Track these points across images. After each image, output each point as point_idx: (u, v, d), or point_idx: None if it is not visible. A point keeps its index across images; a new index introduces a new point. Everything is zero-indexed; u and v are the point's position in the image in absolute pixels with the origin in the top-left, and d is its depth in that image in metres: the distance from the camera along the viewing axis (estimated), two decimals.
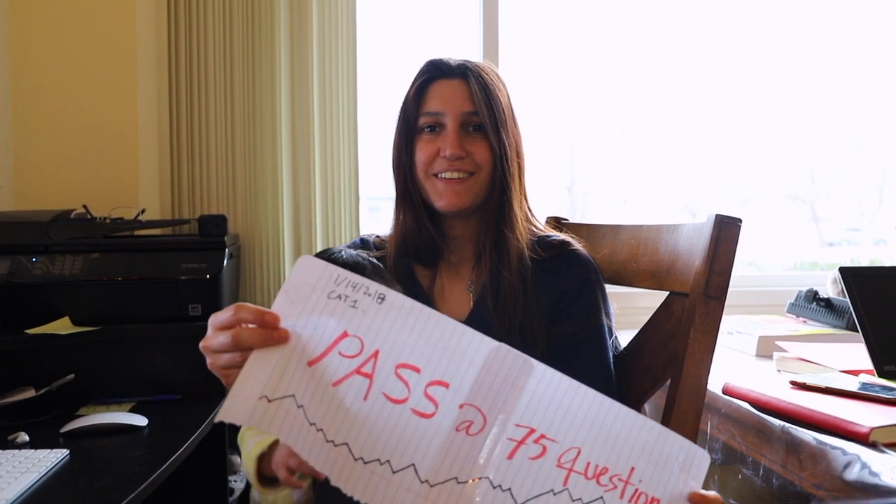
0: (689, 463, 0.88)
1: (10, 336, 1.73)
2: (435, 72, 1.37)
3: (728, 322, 1.90)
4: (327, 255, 1.26)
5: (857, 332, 1.53)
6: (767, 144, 2.75)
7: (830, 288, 2.16)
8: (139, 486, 1.26)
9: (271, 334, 0.86)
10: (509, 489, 0.84)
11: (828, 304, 2.02)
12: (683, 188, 2.77)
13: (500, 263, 1.34)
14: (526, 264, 1.34)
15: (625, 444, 0.87)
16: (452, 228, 1.41)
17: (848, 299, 1.56)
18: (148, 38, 2.22)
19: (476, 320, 1.29)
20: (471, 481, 0.84)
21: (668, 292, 1.42)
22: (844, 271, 1.59)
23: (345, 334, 0.86)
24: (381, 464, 0.83)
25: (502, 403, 0.86)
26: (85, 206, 1.99)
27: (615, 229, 1.61)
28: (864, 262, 2.98)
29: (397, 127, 1.40)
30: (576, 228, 1.65)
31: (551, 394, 0.87)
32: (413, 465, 0.84)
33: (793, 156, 2.83)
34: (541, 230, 1.44)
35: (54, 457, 1.35)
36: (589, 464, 0.86)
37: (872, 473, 1.07)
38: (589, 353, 1.32)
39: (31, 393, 1.69)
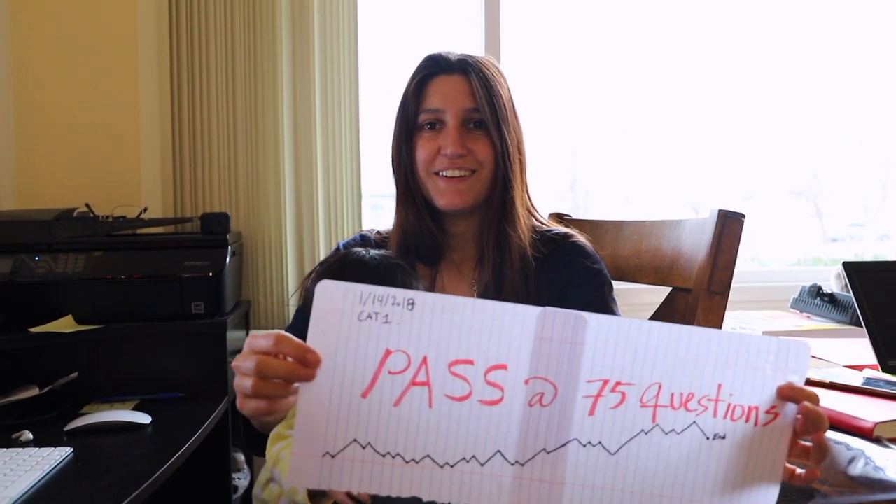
0: (784, 358, 0.86)
1: (13, 335, 1.73)
2: (434, 67, 1.35)
3: (731, 317, 1.90)
4: (352, 258, 1.23)
5: (861, 327, 1.53)
6: (770, 140, 2.75)
7: (834, 283, 2.15)
8: (143, 484, 1.26)
9: (298, 371, 0.83)
10: (599, 443, 0.84)
11: (831, 299, 2.01)
12: (686, 184, 2.76)
13: (503, 262, 1.33)
14: (528, 262, 1.33)
15: (705, 365, 0.85)
16: (454, 226, 1.39)
17: (852, 294, 1.56)
18: (150, 36, 2.22)
19: None
20: (560, 447, 0.84)
21: (671, 288, 1.42)
22: (848, 266, 1.59)
23: (388, 353, 0.84)
24: (468, 461, 0.83)
25: (567, 365, 0.85)
26: (87, 205, 1.99)
27: (618, 225, 1.61)
28: (868, 258, 2.98)
29: (396, 123, 1.38)
30: (578, 225, 1.65)
31: (614, 339, 0.85)
32: (499, 451, 0.84)
33: (796, 151, 2.83)
34: (543, 225, 1.43)
35: (58, 455, 1.35)
36: (673, 395, 0.85)
37: (876, 468, 1.06)
38: None
39: (34, 391, 1.69)
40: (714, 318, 1.28)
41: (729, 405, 0.85)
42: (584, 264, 1.36)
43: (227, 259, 1.91)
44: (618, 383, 0.85)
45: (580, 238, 1.40)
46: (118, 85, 2.25)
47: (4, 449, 1.37)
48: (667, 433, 0.85)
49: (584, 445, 0.84)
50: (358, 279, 1.13)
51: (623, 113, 2.64)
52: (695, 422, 0.85)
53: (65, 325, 1.78)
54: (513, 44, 2.44)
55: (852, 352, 1.61)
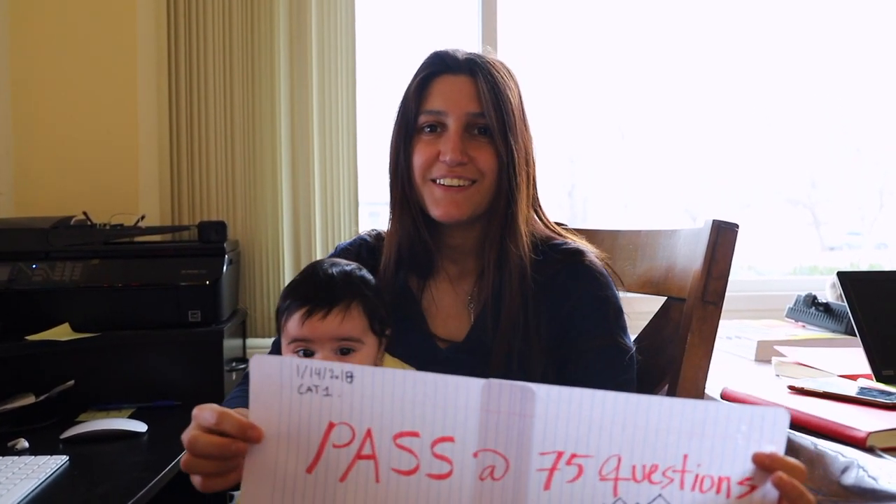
0: (759, 427, 0.78)
1: (10, 342, 1.73)
2: (440, 65, 1.24)
3: (727, 326, 1.90)
4: (318, 268, 1.20)
5: (856, 336, 1.53)
6: (768, 149, 2.76)
7: (829, 293, 2.16)
8: (139, 492, 1.27)
9: (229, 447, 0.81)
10: None
11: (826, 308, 2.02)
12: (684, 193, 2.77)
13: (503, 283, 1.23)
14: (528, 285, 1.23)
15: (668, 435, 0.79)
16: (452, 238, 1.28)
17: (846, 304, 1.56)
18: (148, 46, 2.23)
19: (474, 341, 1.24)
20: None
21: (665, 297, 1.42)
22: (843, 276, 1.59)
23: (331, 425, 0.81)
24: None
25: (517, 438, 0.80)
26: (85, 213, 2.00)
27: (613, 235, 1.61)
28: (865, 266, 2.98)
29: (395, 125, 1.27)
30: (574, 233, 1.65)
31: (566, 410, 0.80)
32: None
33: (793, 160, 2.84)
34: (554, 236, 1.32)
35: (54, 463, 1.35)
36: (635, 466, 0.79)
37: (870, 478, 1.07)
38: (604, 374, 1.20)
39: (30, 399, 1.69)
40: (708, 328, 1.28)
41: (697, 476, 0.79)
42: (590, 291, 1.25)
43: (224, 267, 1.92)
44: (573, 455, 0.80)
45: (591, 257, 1.29)
46: (116, 93, 2.26)
47: (0, 457, 1.38)
48: None
49: None
50: (311, 298, 1.12)
51: (621, 120, 2.64)
52: (660, 494, 0.79)
53: (61, 333, 1.79)
54: (510, 51, 2.45)
55: (847, 361, 1.61)
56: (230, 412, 0.83)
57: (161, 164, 2.23)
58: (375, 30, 2.44)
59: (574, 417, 0.80)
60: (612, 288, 1.28)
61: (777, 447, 0.79)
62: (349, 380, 0.82)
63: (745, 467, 0.79)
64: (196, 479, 0.87)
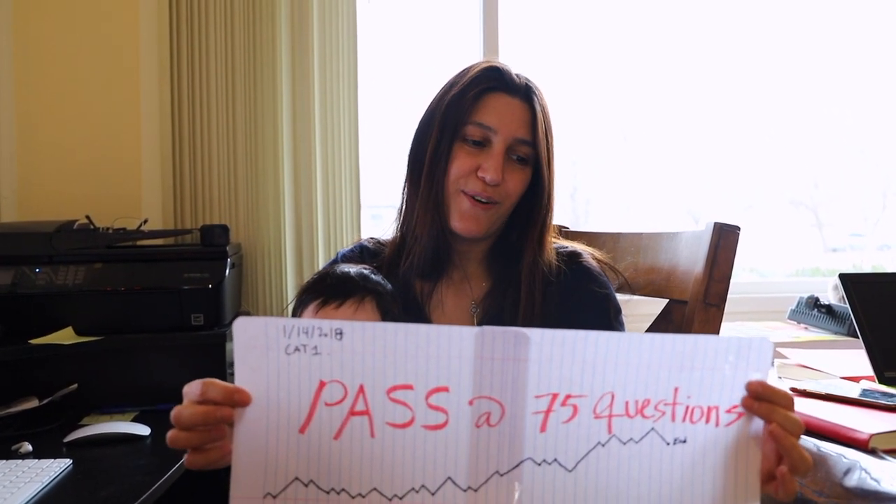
0: (745, 357, 0.81)
1: (13, 346, 1.73)
2: (499, 82, 1.26)
3: (729, 328, 1.90)
4: (335, 267, 1.24)
5: (858, 338, 1.53)
6: (771, 150, 2.76)
7: (832, 294, 2.16)
8: (142, 495, 1.27)
9: (214, 413, 0.80)
10: (555, 460, 0.81)
11: (829, 310, 2.02)
12: (687, 195, 2.77)
13: (509, 292, 1.27)
14: (536, 298, 1.27)
15: (659, 369, 0.81)
16: (460, 245, 1.32)
17: (848, 306, 1.56)
18: (150, 50, 2.23)
19: None
20: (513, 469, 0.81)
21: (667, 300, 1.43)
22: (844, 278, 1.59)
23: (322, 384, 0.81)
24: (417, 491, 0.80)
25: (512, 383, 0.81)
26: (88, 217, 2.00)
27: (615, 237, 1.62)
28: (868, 268, 2.98)
29: (437, 126, 1.27)
30: (576, 237, 1.65)
31: (559, 352, 0.81)
32: (449, 478, 0.81)
33: (796, 161, 2.84)
34: (553, 241, 1.36)
35: (57, 466, 1.35)
36: (627, 402, 0.81)
37: (872, 479, 1.07)
38: None
39: (34, 403, 1.69)
40: (710, 330, 1.28)
41: (687, 407, 0.81)
42: (590, 289, 1.29)
43: (227, 271, 1.92)
44: (568, 396, 0.81)
45: (588, 259, 1.33)
46: (119, 97, 2.26)
47: (4, 461, 1.38)
48: (625, 443, 0.81)
49: (539, 464, 0.81)
50: (326, 291, 1.14)
51: (623, 122, 2.64)
52: (653, 428, 0.81)
53: (65, 336, 1.79)
54: (511, 53, 2.45)
55: (849, 363, 1.61)
56: (215, 380, 0.82)
57: (164, 168, 2.24)
58: (377, 33, 2.44)
59: (568, 359, 0.81)
60: (610, 287, 1.32)
61: (762, 375, 0.82)
62: (339, 337, 0.81)
63: (733, 395, 0.82)
64: (187, 458, 0.84)
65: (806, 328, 2.08)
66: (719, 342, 0.82)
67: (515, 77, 1.27)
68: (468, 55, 2.48)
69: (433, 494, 0.80)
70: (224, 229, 2.02)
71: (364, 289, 1.16)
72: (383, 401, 0.81)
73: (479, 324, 1.29)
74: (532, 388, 0.81)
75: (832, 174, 2.96)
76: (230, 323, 1.94)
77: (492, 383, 0.81)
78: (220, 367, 1.86)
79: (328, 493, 0.80)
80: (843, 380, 1.49)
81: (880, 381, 1.46)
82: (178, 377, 1.82)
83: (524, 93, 1.26)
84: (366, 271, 1.22)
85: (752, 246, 2.70)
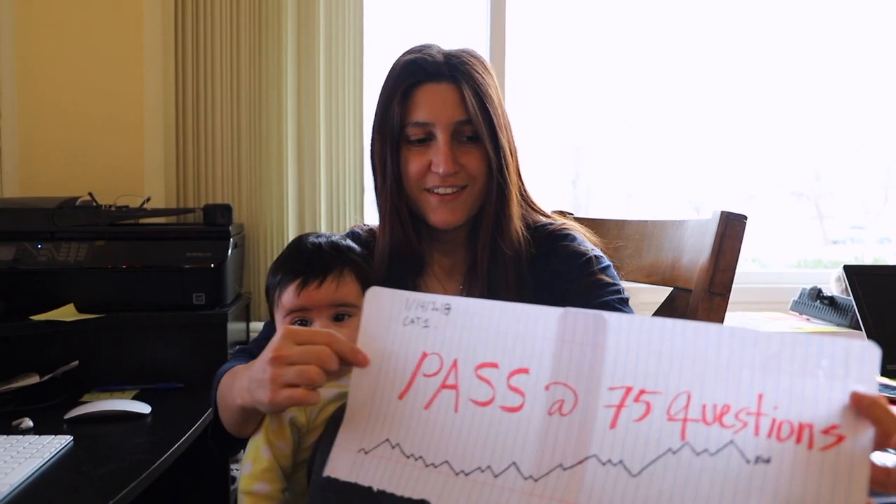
0: (844, 363, 0.68)
1: (15, 322, 1.73)
2: (420, 74, 1.22)
3: (731, 319, 1.90)
4: (300, 244, 1.20)
5: (861, 329, 1.53)
6: (772, 141, 2.75)
7: (834, 286, 2.16)
8: (142, 472, 1.27)
9: (355, 355, 0.88)
10: (620, 461, 0.74)
11: (831, 301, 2.02)
12: (688, 184, 2.76)
13: (496, 273, 1.25)
14: (523, 273, 1.25)
15: (741, 370, 0.71)
16: (444, 234, 1.30)
17: (851, 297, 1.56)
18: (155, 27, 2.22)
19: None
20: (577, 464, 0.76)
21: (672, 288, 1.42)
22: (849, 269, 1.59)
23: (424, 355, 0.86)
24: (483, 471, 0.80)
25: (588, 370, 0.78)
26: (90, 194, 2.00)
27: (620, 224, 1.61)
28: (868, 261, 2.98)
29: (377, 134, 1.27)
30: (581, 223, 1.64)
31: (637, 341, 0.76)
32: (514, 463, 0.79)
33: (798, 153, 2.83)
34: (542, 218, 1.34)
35: (58, 443, 1.35)
36: (705, 406, 0.72)
37: None
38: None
39: (35, 379, 1.70)
40: (714, 320, 1.28)
41: (774, 420, 0.69)
42: (568, 250, 1.27)
43: (229, 251, 1.92)
44: (641, 391, 0.75)
45: (577, 237, 1.30)
46: (123, 74, 2.25)
47: (4, 436, 1.38)
48: (698, 453, 0.71)
49: (604, 464, 0.75)
50: (304, 269, 1.13)
51: (626, 110, 2.64)
52: (732, 440, 0.70)
53: (66, 313, 1.79)
54: (517, 39, 2.44)
55: None
56: (335, 335, 0.90)
57: (167, 147, 2.23)
58: (383, 13, 2.42)
59: (644, 349, 0.76)
60: (595, 249, 1.28)
61: (867, 388, 0.67)
62: (446, 311, 0.86)
63: (831, 412, 0.67)
64: (301, 395, 0.89)
65: (808, 319, 2.08)
66: (810, 343, 0.70)
67: (435, 59, 1.23)
68: (475, 39, 2.46)
69: (496, 477, 0.80)
70: (227, 209, 2.01)
71: (340, 261, 1.15)
72: (471, 377, 0.84)
73: None
74: (607, 379, 0.77)
75: (833, 166, 2.95)
76: (232, 303, 1.95)
77: (569, 369, 0.79)
78: (222, 346, 1.86)
79: (408, 457, 0.84)
80: None
81: (883, 374, 1.47)
82: (178, 356, 1.86)
83: (448, 73, 1.21)
84: (334, 238, 1.22)
85: (753, 236, 2.70)
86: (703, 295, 1.27)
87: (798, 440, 0.68)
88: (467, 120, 1.20)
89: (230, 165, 2.24)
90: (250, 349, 1.30)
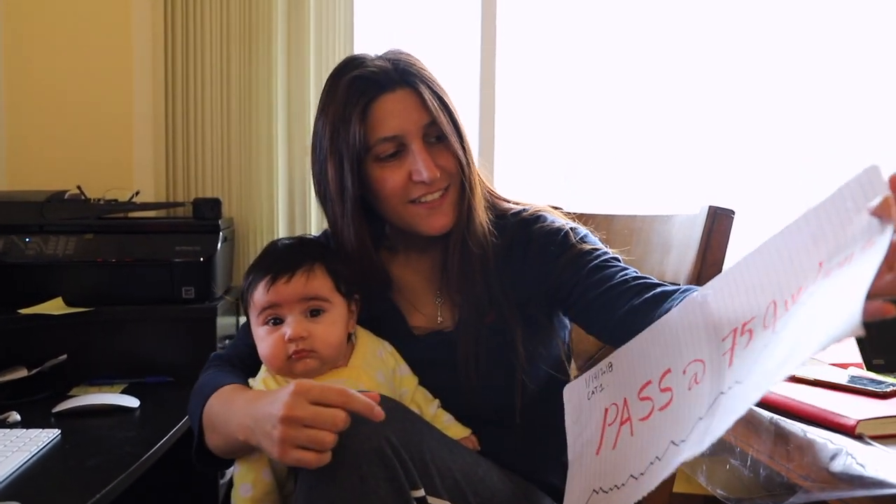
0: (862, 195, 0.74)
1: (2, 316, 1.73)
2: (373, 88, 1.16)
3: None
4: (271, 249, 1.21)
5: None
6: (767, 135, 2.75)
7: None
8: (130, 466, 1.27)
9: (371, 411, 0.91)
10: (736, 382, 0.83)
11: None
12: (682, 178, 2.76)
13: (465, 275, 1.23)
14: (489, 266, 1.23)
15: (800, 256, 0.80)
16: (409, 244, 1.28)
17: None
18: (144, 19, 2.21)
19: (447, 335, 1.24)
20: (710, 407, 0.84)
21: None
22: None
23: (605, 411, 0.98)
24: (652, 463, 0.88)
25: (706, 338, 0.89)
26: (79, 187, 1.99)
27: (609, 219, 1.61)
28: None
29: (331, 159, 1.19)
30: (568, 217, 1.64)
31: (728, 291, 0.88)
32: (671, 441, 0.87)
33: (793, 147, 2.83)
34: (512, 207, 1.32)
35: (46, 436, 1.35)
36: (786, 301, 0.80)
37: (858, 465, 1.07)
38: (604, 281, 1.17)
39: (23, 373, 1.69)
40: None
41: (829, 270, 0.76)
42: (543, 230, 1.25)
43: (219, 245, 1.92)
44: (744, 324, 0.84)
45: (542, 213, 1.29)
46: (112, 67, 2.24)
47: None
48: (791, 331, 0.79)
49: (726, 392, 0.84)
50: (273, 266, 1.13)
51: (619, 105, 2.63)
52: (803, 304, 0.78)
53: (54, 307, 1.78)
54: (510, 31, 2.44)
55: (838, 350, 1.62)
56: (353, 393, 0.92)
57: (156, 140, 2.23)
58: (374, 12, 2.41)
59: (734, 292, 0.87)
60: (571, 233, 1.26)
61: (881, 196, 0.72)
62: (610, 369, 1.00)
63: (863, 231, 0.74)
64: (317, 458, 0.91)
65: None
66: (832, 204, 0.78)
67: (380, 69, 1.18)
68: (466, 27, 2.45)
69: (660, 459, 0.87)
70: (216, 203, 2.01)
71: (310, 256, 1.15)
72: (637, 403, 0.94)
73: (441, 315, 1.27)
74: (718, 335, 0.87)
75: (825, 162, 2.96)
76: (221, 297, 1.94)
77: (692, 347, 0.90)
78: (211, 340, 1.86)
79: (608, 492, 0.93)
80: (831, 366, 1.50)
81: (868, 368, 1.47)
82: (168, 350, 1.85)
83: (400, 79, 1.17)
84: (306, 238, 1.24)
85: (745, 231, 2.70)
86: None
87: (849, 263, 0.73)
88: (432, 122, 1.17)
89: (220, 159, 2.24)
90: (228, 355, 1.27)
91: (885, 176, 0.73)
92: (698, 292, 0.92)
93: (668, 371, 0.91)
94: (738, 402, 0.82)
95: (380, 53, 1.22)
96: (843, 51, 2.63)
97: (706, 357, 0.88)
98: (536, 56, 2.54)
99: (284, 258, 1.15)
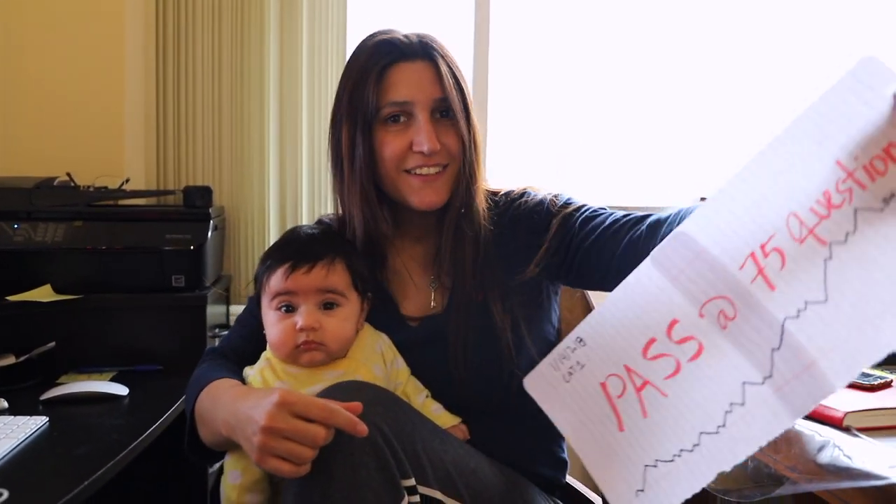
0: (863, 84, 0.70)
1: None
2: (395, 53, 1.19)
3: None
4: (298, 230, 1.23)
5: None
6: (760, 130, 2.75)
7: None
8: (118, 454, 1.27)
9: (355, 428, 0.90)
10: (806, 302, 0.75)
11: None
12: (675, 173, 2.77)
13: (458, 259, 1.24)
14: (481, 252, 1.25)
15: (812, 161, 0.74)
16: (413, 221, 1.29)
17: None
18: (136, 6, 2.20)
19: (438, 319, 1.25)
20: (783, 335, 0.75)
21: None
22: None
23: (603, 385, 0.91)
24: (730, 412, 0.80)
25: (713, 275, 0.81)
26: (69, 174, 1.98)
27: None
28: None
29: (347, 117, 1.21)
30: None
31: (724, 219, 0.80)
32: (744, 382, 0.80)
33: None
34: (502, 188, 1.34)
35: (34, 424, 1.35)
36: (812, 208, 0.73)
37: (845, 457, 1.08)
38: (596, 228, 1.19)
39: (10, 360, 1.68)
40: None
41: (864, 166, 0.70)
42: (528, 205, 1.27)
43: (209, 233, 1.91)
44: (762, 246, 0.77)
45: (525, 188, 1.31)
46: (103, 54, 2.23)
47: None
48: (845, 241, 0.71)
49: (797, 316, 0.74)
50: (295, 254, 1.13)
51: (612, 99, 2.63)
52: (855, 208, 0.70)
53: (43, 294, 1.77)
54: (503, 24, 2.43)
55: None
56: (336, 408, 0.91)
57: (147, 127, 2.21)
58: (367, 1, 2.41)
59: (736, 216, 0.80)
60: (554, 201, 1.29)
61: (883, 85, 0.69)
62: (581, 343, 0.93)
63: (879, 120, 0.70)
64: (294, 469, 0.91)
65: None
66: (830, 100, 0.73)
67: (409, 39, 1.21)
68: (459, 20, 2.45)
69: (743, 405, 0.78)
70: (207, 191, 2.00)
71: (332, 249, 1.15)
72: (648, 365, 0.87)
73: (434, 300, 1.28)
74: (732, 266, 0.79)
75: None
76: (211, 285, 1.94)
77: (700, 288, 0.82)
78: (201, 329, 1.86)
79: (672, 460, 0.84)
80: None
81: None
82: (157, 338, 1.85)
83: (422, 51, 1.20)
84: (329, 228, 1.24)
85: None
86: None
87: (892, 160, 0.69)
88: (443, 98, 1.19)
89: (211, 147, 2.23)
90: (222, 348, 1.28)
91: (886, 66, 0.69)
92: (675, 232, 0.85)
93: (675, 321, 0.84)
94: (834, 329, 0.72)
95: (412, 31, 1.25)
96: (837, 46, 2.63)
97: (726, 292, 0.80)
98: (529, 52, 2.54)
99: (307, 247, 1.15)
